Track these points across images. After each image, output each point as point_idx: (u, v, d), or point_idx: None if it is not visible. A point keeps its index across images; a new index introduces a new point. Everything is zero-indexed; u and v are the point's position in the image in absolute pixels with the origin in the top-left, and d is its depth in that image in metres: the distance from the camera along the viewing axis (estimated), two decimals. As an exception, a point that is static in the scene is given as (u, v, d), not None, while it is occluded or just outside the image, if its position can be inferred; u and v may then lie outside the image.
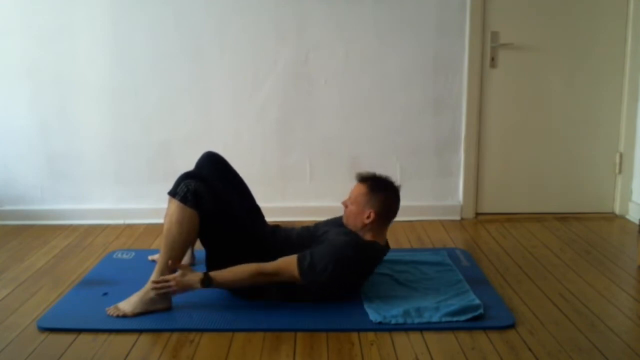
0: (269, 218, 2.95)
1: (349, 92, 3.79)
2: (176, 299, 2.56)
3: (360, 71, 3.77)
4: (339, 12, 3.70)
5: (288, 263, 2.48)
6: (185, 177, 2.56)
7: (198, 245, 2.79)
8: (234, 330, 2.39)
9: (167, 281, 2.48)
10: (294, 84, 3.78)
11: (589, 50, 3.79)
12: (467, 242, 3.47)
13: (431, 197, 3.92)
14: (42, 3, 3.68)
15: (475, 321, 2.43)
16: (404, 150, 3.85)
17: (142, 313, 2.49)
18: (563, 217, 3.88)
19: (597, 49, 3.79)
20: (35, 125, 3.81)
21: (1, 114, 3.81)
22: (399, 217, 2.78)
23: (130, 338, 2.35)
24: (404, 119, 3.82)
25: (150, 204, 3.79)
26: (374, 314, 2.46)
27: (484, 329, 2.38)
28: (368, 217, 2.62)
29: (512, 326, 2.41)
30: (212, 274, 2.48)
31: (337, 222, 2.79)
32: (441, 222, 3.85)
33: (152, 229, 3.69)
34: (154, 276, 2.53)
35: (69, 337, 2.35)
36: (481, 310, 2.48)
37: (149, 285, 2.53)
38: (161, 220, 2.59)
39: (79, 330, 2.40)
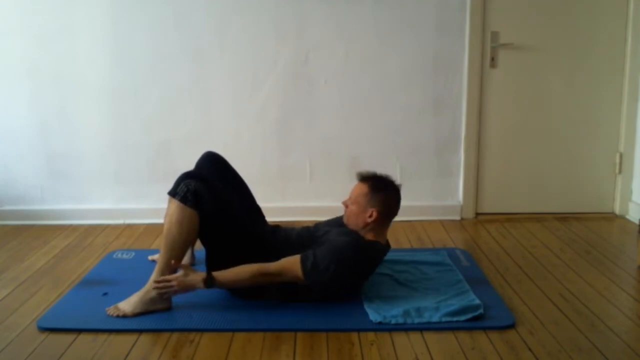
0: (269, 218, 2.95)
1: (349, 92, 3.79)
2: (176, 299, 2.56)
3: (360, 71, 3.77)
4: (339, 12, 3.70)
5: (291, 263, 2.48)
6: (185, 177, 2.56)
7: (198, 245, 2.79)
8: (234, 330, 2.39)
9: (168, 281, 2.48)
10: (294, 84, 3.78)
11: (589, 50, 3.79)
12: (467, 242, 3.47)
13: (431, 197, 3.92)
14: (42, 3, 3.68)
15: (475, 321, 2.43)
16: (404, 150, 3.85)
17: (142, 313, 2.49)
18: (563, 217, 3.88)
19: (597, 49, 3.79)
20: (35, 125, 3.81)
21: (1, 114, 3.81)
22: (399, 217, 2.78)
23: (130, 338, 2.35)
24: (404, 119, 3.82)
25: (150, 204, 3.79)
26: (374, 314, 2.46)
27: (484, 329, 2.38)
28: (370, 217, 2.62)
29: (512, 326, 2.41)
30: (215, 274, 2.48)
31: (337, 222, 2.79)
32: (441, 222, 3.85)
33: (152, 229, 3.69)
34: (154, 276, 2.52)
35: (69, 337, 2.35)
36: (481, 310, 2.48)
37: (149, 285, 2.53)
38: (161, 220, 2.58)
39: (79, 330, 2.40)
